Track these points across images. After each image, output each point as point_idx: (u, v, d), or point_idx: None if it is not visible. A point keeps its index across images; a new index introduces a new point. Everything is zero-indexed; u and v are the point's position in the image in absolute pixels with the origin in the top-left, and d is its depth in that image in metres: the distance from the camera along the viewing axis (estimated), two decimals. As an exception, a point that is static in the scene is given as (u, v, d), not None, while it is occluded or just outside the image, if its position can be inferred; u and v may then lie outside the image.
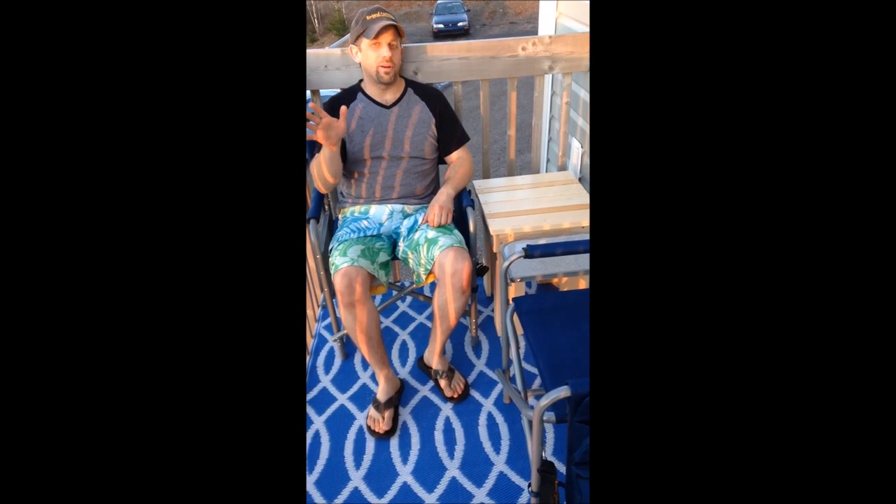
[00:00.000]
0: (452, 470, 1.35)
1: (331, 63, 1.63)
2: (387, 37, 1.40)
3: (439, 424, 1.47)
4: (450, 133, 1.55)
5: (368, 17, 1.41)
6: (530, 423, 0.99)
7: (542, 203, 1.65)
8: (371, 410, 1.48)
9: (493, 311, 1.89)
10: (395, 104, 1.51)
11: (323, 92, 1.71)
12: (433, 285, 1.98)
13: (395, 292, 1.89)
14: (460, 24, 16.06)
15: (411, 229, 1.49)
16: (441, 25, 16.07)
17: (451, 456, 1.38)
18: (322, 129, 1.27)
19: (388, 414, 1.45)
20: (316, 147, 1.51)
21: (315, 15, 19.72)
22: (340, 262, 1.32)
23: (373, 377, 1.64)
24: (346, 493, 1.31)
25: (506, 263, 1.22)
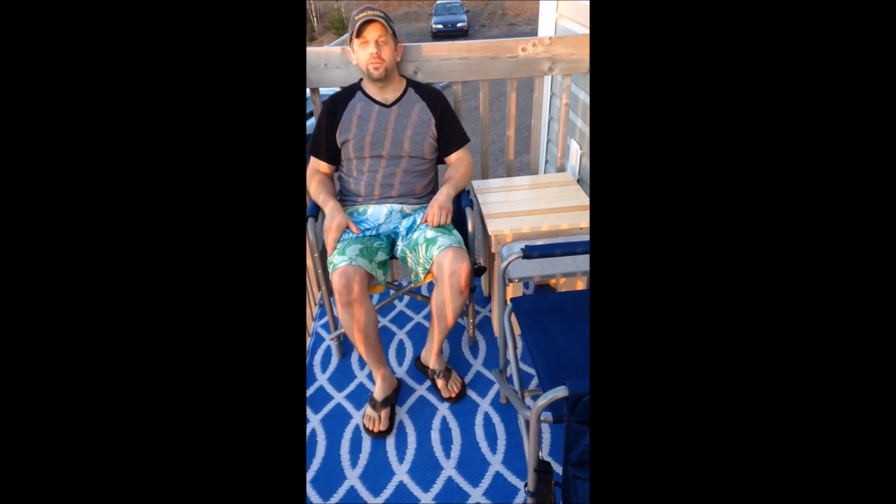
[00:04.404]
0: (448, 469, 1.35)
1: (330, 61, 1.63)
2: (372, 32, 1.40)
3: (436, 424, 1.47)
4: (450, 133, 1.56)
5: (356, 17, 1.41)
6: (527, 423, 1.00)
7: (541, 204, 1.65)
8: (368, 409, 1.48)
9: (490, 311, 1.89)
10: (395, 103, 1.51)
11: (322, 90, 1.71)
12: (431, 285, 1.98)
13: (392, 291, 1.89)
14: (459, 24, 16.05)
15: (410, 229, 1.49)
16: (440, 26, 16.05)
17: (448, 455, 1.38)
18: (338, 232, 1.39)
19: (384, 413, 1.45)
20: (316, 151, 1.52)
21: (314, 14, 19.70)
22: (338, 260, 1.32)
23: (370, 376, 1.64)
24: (341, 491, 1.31)
25: (504, 264, 1.22)
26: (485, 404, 1.53)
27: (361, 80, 1.54)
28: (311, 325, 1.90)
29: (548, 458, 1.36)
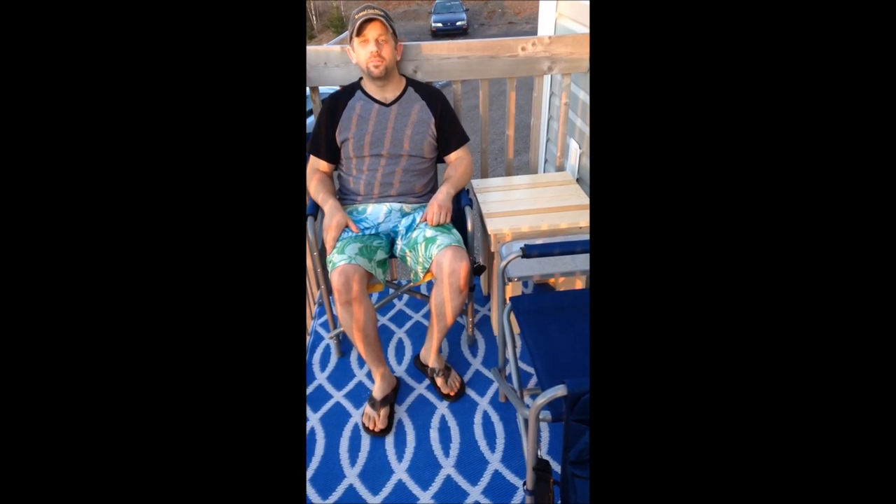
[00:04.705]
0: (447, 468, 1.35)
1: (330, 60, 1.62)
2: (373, 31, 1.40)
3: (435, 423, 1.47)
4: (449, 133, 1.56)
5: (356, 16, 1.41)
6: (526, 421, 1.00)
7: (540, 203, 1.65)
8: (367, 408, 1.48)
9: (489, 310, 1.89)
10: (394, 102, 1.50)
11: (322, 89, 1.70)
12: (430, 284, 1.98)
13: (392, 290, 1.90)
14: (459, 23, 16.03)
15: (409, 228, 1.49)
16: (440, 24, 16.04)
17: (447, 454, 1.38)
18: (337, 230, 1.39)
19: (383, 412, 1.45)
20: (315, 150, 1.52)
21: (313, 12, 19.67)
22: (338, 259, 1.32)
23: (369, 375, 1.64)
24: (340, 490, 1.31)
25: (503, 263, 1.22)
26: (484, 403, 1.53)
27: (361, 78, 1.54)
28: (311, 324, 1.90)
29: (546, 457, 1.36)
